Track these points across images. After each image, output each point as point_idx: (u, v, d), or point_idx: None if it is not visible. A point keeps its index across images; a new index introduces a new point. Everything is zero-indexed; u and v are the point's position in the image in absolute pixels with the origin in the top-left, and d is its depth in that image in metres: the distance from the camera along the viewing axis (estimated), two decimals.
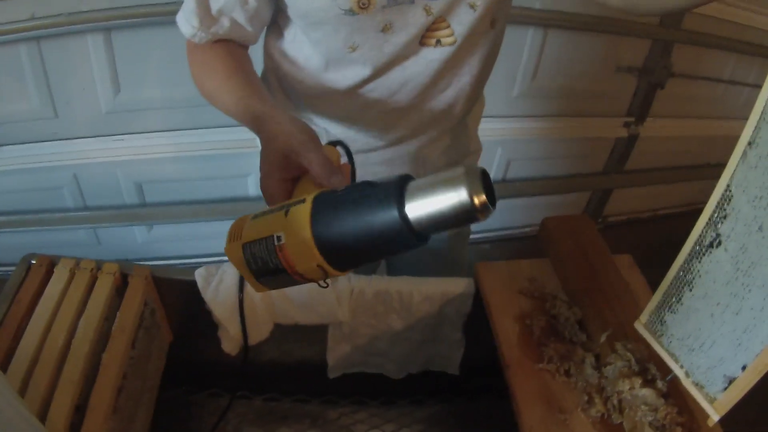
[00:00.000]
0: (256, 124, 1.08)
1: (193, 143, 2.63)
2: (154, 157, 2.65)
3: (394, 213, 0.78)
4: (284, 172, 0.98)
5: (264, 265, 0.89)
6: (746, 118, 0.91)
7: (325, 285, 0.93)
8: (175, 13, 1.98)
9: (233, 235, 0.94)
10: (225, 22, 1.25)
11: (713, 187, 0.98)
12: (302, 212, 0.85)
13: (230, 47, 1.29)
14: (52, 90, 2.41)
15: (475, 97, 1.47)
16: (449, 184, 0.77)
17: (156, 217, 2.92)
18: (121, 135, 2.59)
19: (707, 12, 2.75)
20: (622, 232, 3.68)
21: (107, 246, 3.06)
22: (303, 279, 0.88)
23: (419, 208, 0.78)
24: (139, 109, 2.54)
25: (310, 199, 0.86)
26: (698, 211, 1.01)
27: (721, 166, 0.96)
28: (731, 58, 3.15)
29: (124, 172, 2.72)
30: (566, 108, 3.05)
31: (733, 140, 0.93)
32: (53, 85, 2.40)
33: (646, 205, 3.79)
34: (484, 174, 0.76)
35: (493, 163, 3.11)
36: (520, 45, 2.71)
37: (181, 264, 3.15)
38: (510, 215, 3.38)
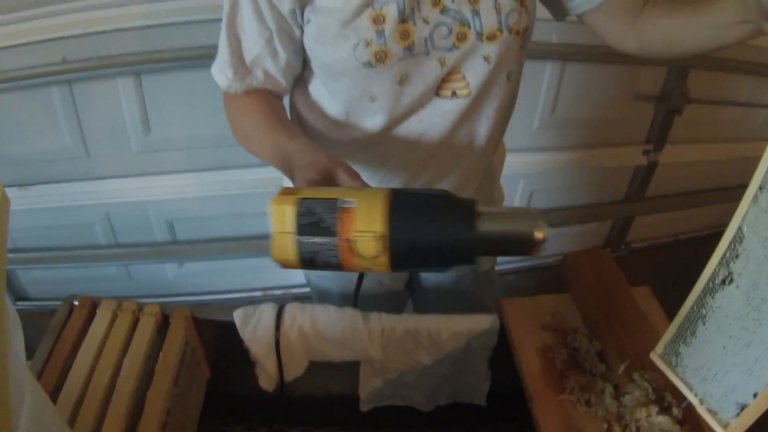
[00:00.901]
0: (294, 157, 1.12)
1: (222, 182, 2.66)
2: (185, 196, 2.69)
3: (470, 228, 0.87)
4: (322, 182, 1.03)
5: (316, 222, 0.90)
6: (766, 139, 0.94)
7: (368, 266, 0.92)
8: (203, 57, 2.03)
9: (287, 191, 0.95)
10: (258, 74, 1.30)
11: (735, 209, 1.00)
12: (380, 191, 0.91)
13: (266, 95, 1.34)
14: (83, 131, 2.46)
15: (494, 145, 1.50)
16: (522, 217, 0.89)
17: (186, 254, 2.96)
18: (152, 175, 2.63)
19: None
20: (646, 258, 3.65)
21: (139, 281, 3.09)
22: (347, 252, 0.90)
23: (490, 230, 0.87)
24: (170, 149, 2.58)
25: (386, 189, 0.93)
26: (721, 234, 1.03)
27: (742, 187, 0.97)
28: (748, 80, 3.13)
29: (155, 210, 2.76)
30: (586, 138, 3.05)
31: (753, 161, 0.94)
32: (85, 126, 2.45)
33: (669, 230, 3.76)
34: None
35: (515, 196, 3.12)
36: (539, 79, 2.72)
37: (211, 299, 3.18)
38: None
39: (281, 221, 0.92)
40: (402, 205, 0.90)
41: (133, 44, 2.25)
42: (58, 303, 1.49)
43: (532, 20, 1.32)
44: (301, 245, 0.92)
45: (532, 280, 3.31)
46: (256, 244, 2.94)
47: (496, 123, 1.42)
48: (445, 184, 1.48)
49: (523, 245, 0.88)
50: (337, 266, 0.92)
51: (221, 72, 1.31)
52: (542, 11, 1.42)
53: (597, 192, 3.35)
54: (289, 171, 1.13)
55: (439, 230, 0.89)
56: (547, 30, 2.54)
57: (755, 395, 0.99)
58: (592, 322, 1.48)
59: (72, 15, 2.16)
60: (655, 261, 3.62)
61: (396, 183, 1.46)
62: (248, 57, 1.28)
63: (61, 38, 2.19)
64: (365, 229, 0.88)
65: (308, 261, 0.93)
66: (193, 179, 2.67)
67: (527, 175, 3.04)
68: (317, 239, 0.90)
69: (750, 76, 3.11)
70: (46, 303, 3.00)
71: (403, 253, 0.89)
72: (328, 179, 1.04)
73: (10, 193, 2.58)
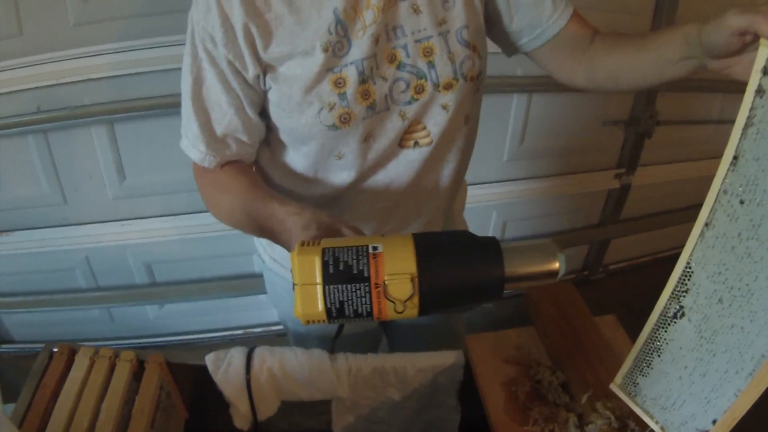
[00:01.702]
0: (290, 219, 1.11)
1: (197, 225, 2.70)
2: (162, 240, 2.71)
3: (499, 265, 0.91)
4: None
5: (345, 270, 0.88)
6: None
7: (401, 309, 0.90)
8: (173, 105, 2.05)
9: (307, 243, 0.93)
10: (232, 144, 1.30)
11: None
12: (401, 235, 0.93)
13: (239, 166, 1.34)
14: (60, 178, 2.50)
15: (457, 185, 1.52)
16: (541, 249, 0.94)
17: (166, 296, 2.97)
18: (129, 220, 2.66)
19: None
20: (624, 279, 3.66)
21: (120, 323, 3.11)
22: (380, 297, 0.89)
23: (517, 265, 0.91)
24: (145, 195, 2.61)
25: (406, 233, 0.94)
26: None
27: None
28: (717, 98, 3.17)
29: (134, 253, 2.78)
30: (557, 166, 3.08)
31: None
32: (61, 173, 2.48)
33: (646, 250, 3.78)
34: None
35: (489, 227, 3.13)
36: (506, 111, 2.75)
37: (193, 339, 3.20)
38: None
39: (308, 272, 0.90)
40: (429, 247, 0.91)
41: (106, 93, 2.28)
42: (42, 346, 1.51)
43: (484, 64, 1.36)
44: (331, 295, 0.89)
45: (508, 307, 3.25)
46: (234, 284, 2.96)
47: (457, 165, 1.45)
48: (413, 229, 1.50)
49: (546, 276, 0.93)
50: (368, 314, 0.91)
51: (193, 147, 1.30)
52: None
53: (571, 217, 3.37)
54: (285, 235, 1.12)
55: (469, 269, 0.91)
56: (511, 64, 2.55)
57: (714, 421, 1.01)
58: (556, 354, 1.50)
59: (45, 66, 2.19)
60: (634, 282, 3.63)
61: (365, 232, 1.47)
62: (219, 129, 1.28)
63: (36, 88, 2.23)
64: (398, 271, 0.88)
65: (337, 312, 0.91)
66: (169, 223, 2.69)
67: (499, 205, 3.05)
68: (349, 286, 0.89)
69: (717, 94, 3.15)
70: (30, 346, 3.03)
71: (434, 293, 0.90)
72: (332, 235, 1.04)
73: None
